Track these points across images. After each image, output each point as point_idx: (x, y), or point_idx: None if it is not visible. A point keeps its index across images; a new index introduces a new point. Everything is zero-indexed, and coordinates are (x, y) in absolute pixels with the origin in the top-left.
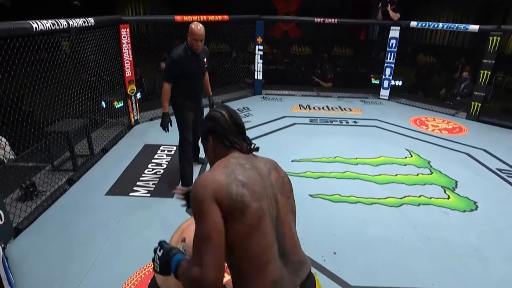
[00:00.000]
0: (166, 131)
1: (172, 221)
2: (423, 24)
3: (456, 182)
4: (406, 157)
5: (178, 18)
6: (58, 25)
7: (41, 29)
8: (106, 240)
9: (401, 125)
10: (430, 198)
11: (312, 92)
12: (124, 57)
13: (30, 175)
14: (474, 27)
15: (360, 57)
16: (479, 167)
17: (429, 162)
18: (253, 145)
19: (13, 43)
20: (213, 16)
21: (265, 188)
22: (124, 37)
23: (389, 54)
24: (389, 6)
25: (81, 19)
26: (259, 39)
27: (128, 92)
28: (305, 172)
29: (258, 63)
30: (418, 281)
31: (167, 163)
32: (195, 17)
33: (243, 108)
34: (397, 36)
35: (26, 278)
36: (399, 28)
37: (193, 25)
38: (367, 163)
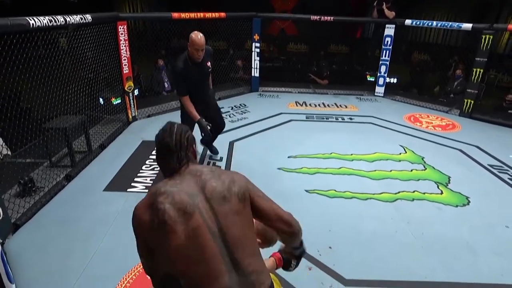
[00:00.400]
0: (210, 134)
1: None
2: (418, 23)
3: (449, 177)
4: (400, 153)
5: (175, 15)
6: (55, 21)
7: (38, 26)
8: (104, 236)
9: (395, 121)
10: (424, 193)
11: (308, 89)
12: (122, 53)
13: (28, 171)
14: (467, 26)
15: (356, 55)
16: (471, 163)
17: (423, 158)
18: (183, 161)
19: (10, 39)
20: (210, 14)
21: (194, 205)
22: (122, 34)
23: (384, 52)
24: (384, 4)
25: (78, 16)
26: (256, 37)
27: (126, 88)
28: (301, 168)
29: (255, 60)
30: (411, 274)
31: None
32: (192, 14)
33: (240, 104)
34: (392, 34)
35: (25, 273)
36: (394, 26)
37: (193, 35)
38: (362, 159)
